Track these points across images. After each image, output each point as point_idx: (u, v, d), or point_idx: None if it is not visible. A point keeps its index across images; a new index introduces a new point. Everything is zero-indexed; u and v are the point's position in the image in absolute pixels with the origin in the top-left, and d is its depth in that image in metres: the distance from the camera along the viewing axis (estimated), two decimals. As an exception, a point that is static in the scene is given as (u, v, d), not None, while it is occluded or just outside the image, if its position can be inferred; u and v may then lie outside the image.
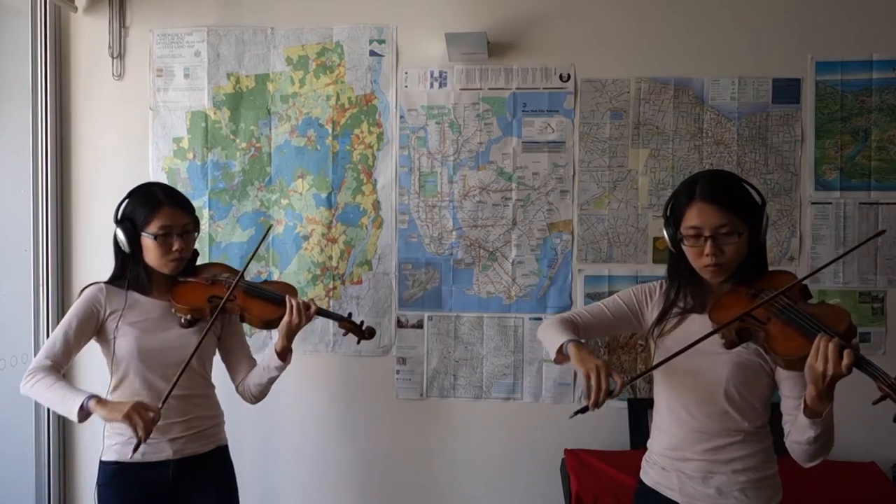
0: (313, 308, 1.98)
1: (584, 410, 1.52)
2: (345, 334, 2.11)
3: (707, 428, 1.63)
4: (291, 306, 1.95)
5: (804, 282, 1.58)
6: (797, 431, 1.51)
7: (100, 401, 1.77)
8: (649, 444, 1.78)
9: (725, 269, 1.59)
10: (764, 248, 1.67)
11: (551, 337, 1.67)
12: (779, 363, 1.49)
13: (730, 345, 1.55)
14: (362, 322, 2.12)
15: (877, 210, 2.52)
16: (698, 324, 1.63)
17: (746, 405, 1.61)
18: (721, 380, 1.59)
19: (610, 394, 1.48)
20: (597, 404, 1.48)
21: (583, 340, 1.65)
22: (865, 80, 2.50)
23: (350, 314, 2.13)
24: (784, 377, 1.57)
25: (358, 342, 2.12)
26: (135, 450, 1.75)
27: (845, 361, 1.35)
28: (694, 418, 1.64)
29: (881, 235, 1.69)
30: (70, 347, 1.90)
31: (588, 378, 1.49)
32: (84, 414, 1.76)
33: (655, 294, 1.76)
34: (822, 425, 1.45)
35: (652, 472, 1.74)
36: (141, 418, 1.72)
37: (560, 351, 1.62)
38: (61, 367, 1.89)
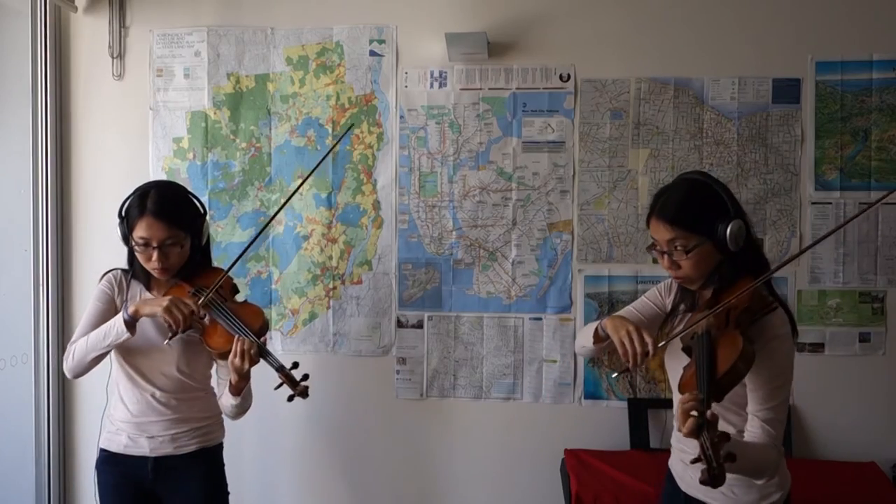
0: (255, 352, 1.82)
1: (626, 371, 1.61)
2: (277, 387, 1.84)
3: None
4: (236, 348, 1.82)
5: (759, 285, 1.54)
6: None
7: (141, 301, 1.84)
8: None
9: (690, 280, 1.62)
10: (742, 256, 1.59)
11: (586, 331, 1.77)
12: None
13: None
14: (305, 376, 1.84)
15: (877, 210, 2.51)
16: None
17: (725, 410, 1.59)
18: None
19: (645, 354, 1.54)
20: (636, 364, 1.55)
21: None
22: (865, 80, 2.50)
23: (296, 364, 1.85)
24: (748, 387, 1.56)
25: (289, 399, 1.82)
26: (170, 339, 1.82)
27: (689, 425, 1.34)
28: None
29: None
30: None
31: (622, 344, 1.56)
32: (130, 323, 1.81)
33: (672, 290, 1.80)
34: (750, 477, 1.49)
35: (672, 456, 1.82)
36: (179, 310, 1.78)
37: (597, 334, 1.69)
38: None
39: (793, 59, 2.52)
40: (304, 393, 1.84)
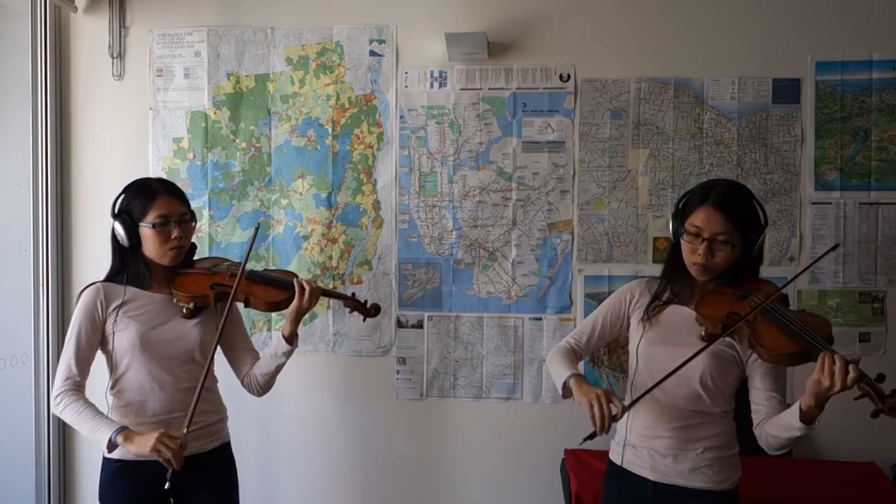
0: (318, 288, 2.00)
1: (592, 436, 1.65)
2: (350, 312, 2.15)
3: (679, 408, 1.75)
4: (302, 287, 1.97)
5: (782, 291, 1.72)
6: (778, 428, 1.63)
7: (127, 436, 1.76)
8: (619, 426, 1.86)
9: (710, 271, 1.72)
10: (755, 261, 1.78)
11: (555, 373, 1.84)
12: (763, 356, 1.62)
13: (709, 338, 1.68)
14: (366, 301, 2.15)
15: (877, 210, 2.52)
16: (681, 314, 1.78)
17: (717, 391, 1.74)
18: (698, 367, 1.70)
19: (613, 418, 1.63)
20: (604, 429, 1.63)
21: (580, 371, 1.80)
22: (865, 80, 2.50)
23: (353, 293, 2.16)
24: (756, 371, 1.72)
25: (364, 319, 2.16)
26: (170, 480, 1.75)
27: (851, 375, 1.45)
28: (669, 399, 1.76)
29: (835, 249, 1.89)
30: (85, 360, 1.88)
31: (591, 407, 1.64)
32: (113, 446, 1.79)
33: (637, 292, 1.90)
34: (810, 430, 1.57)
35: (624, 453, 1.84)
36: (167, 447, 1.72)
37: (566, 386, 1.77)
38: (82, 382, 1.87)
39: (793, 59, 2.52)
40: (376, 309, 2.15)
